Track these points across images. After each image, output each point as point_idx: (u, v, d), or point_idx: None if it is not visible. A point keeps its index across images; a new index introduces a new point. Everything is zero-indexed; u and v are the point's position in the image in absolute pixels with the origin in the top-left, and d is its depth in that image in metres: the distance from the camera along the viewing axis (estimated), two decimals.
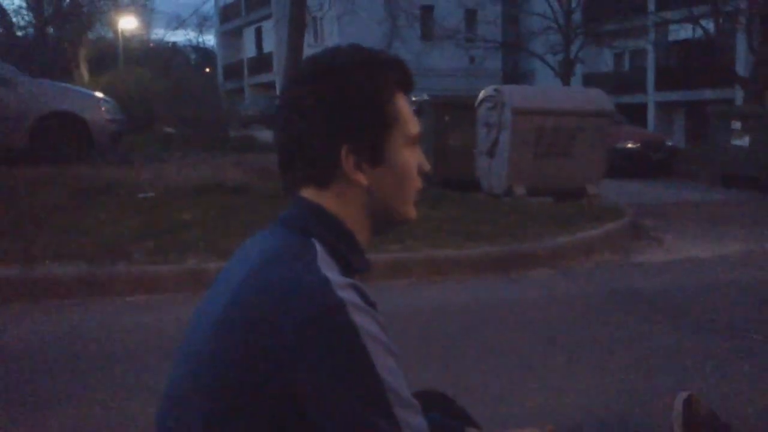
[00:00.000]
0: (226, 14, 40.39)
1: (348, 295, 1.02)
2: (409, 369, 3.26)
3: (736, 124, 11.68)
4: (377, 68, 1.15)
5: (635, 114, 22.96)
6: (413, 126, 1.19)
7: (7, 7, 23.08)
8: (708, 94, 22.65)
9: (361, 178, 1.14)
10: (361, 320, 1.01)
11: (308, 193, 1.16)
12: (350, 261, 1.15)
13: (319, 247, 1.10)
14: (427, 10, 27.94)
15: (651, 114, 26.75)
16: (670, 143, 15.03)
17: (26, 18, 23.72)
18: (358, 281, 1.09)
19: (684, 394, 2.01)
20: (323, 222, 1.14)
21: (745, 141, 11.49)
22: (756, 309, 4.53)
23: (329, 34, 28.62)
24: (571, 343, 3.78)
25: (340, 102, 1.12)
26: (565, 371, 3.36)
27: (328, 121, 1.12)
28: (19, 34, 23.62)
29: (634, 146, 13.70)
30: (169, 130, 15.91)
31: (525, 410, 2.90)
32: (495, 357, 3.58)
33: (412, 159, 1.19)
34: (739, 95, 19.68)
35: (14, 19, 23.23)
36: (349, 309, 1.01)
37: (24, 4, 23.45)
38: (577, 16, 22.65)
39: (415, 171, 1.20)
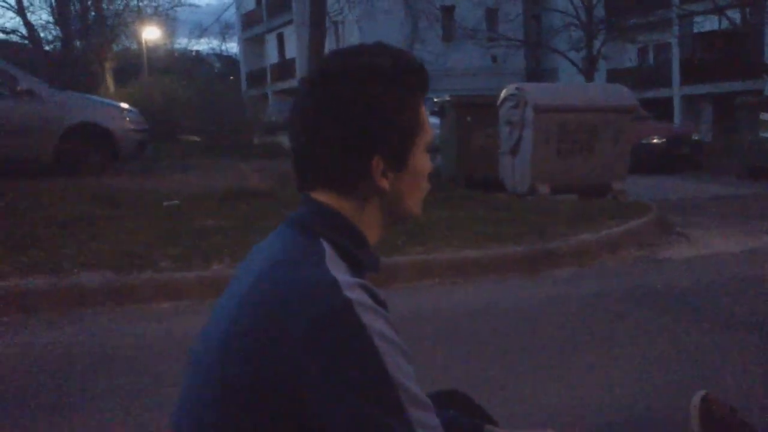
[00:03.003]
0: (248, 21, 40.68)
1: (356, 295, 1.02)
2: (433, 369, 3.27)
3: (765, 116, 11.49)
4: (405, 74, 1.14)
5: (661, 108, 22.71)
6: (430, 132, 1.21)
7: (34, 23, 23.46)
8: (736, 85, 22.29)
9: (386, 185, 1.14)
10: (370, 320, 1.01)
11: (322, 195, 1.15)
12: (360, 261, 1.15)
13: (327, 247, 1.10)
14: (448, 10, 27.89)
15: (677, 108, 26.43)
16: (696, 137, 14.84)
17: (53, 33, 24.15)
18: (368, 281, 1.09)
19: (701, 393, 1.99)
20: (333, 223, 1.14)
21: None
22: None
23: (350, 37, 28.71)
24: (596, 341, 3.75)
25: (374, 110, 1.10)
26: (589, 370, 3.33)
27: (362, 132, 1.10)
28: (47, 48, 24.03)
29: (659, 141, 13.55)
30: (194, 138, 16.07)
31: (548, 409, 2.88)
32: (519, 356, 3.56)
33: (427, 163, 1.21)
34: None
35: (42, 34, 23.66)
36: (357, 309, 1.00)
37: (51, 20, 23.82)
38: (599, 11, 22.46)
39: (427, 174, 1.22)
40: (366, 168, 1.12)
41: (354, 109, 1.10)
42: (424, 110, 1.19)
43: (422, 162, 1.19)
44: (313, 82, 1.15)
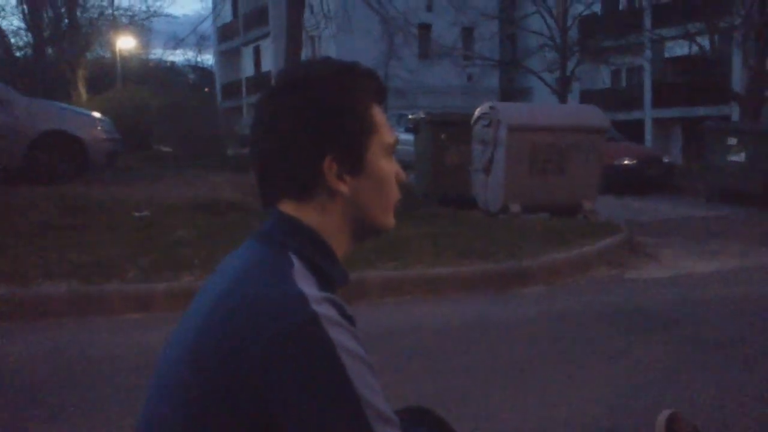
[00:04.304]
0: (224, 34, 40.57)
1: (323, 309, 1.01)
2: (404, 386, 3.26)
3: (732, 140, 11.70)
4: (352, 78, 1.16)
5: (633, 130, 23.02)
6: (389, 135, 1.20)
7: (5, 28, 23.20)
8: (705, 110, 22.72)
9: (344, 188, 1.14)
10: (337, 334, 0.99)
11: (286, 207, 1.15)
12: (329, 274, 1.14)
13: (296, 261, 1.09)
14: (425, 28, 28.09)
15: (648, 130, 26.83)
16: (667, 159, 15.04)
17: (25, 39, 23.88)
18: (337, 295, 1.08)
19: (666, 413, 2.00)
20: (301, 235, 1.13)
21: (741, 157, 11.52)
22: (750, 324, 4.51)
23: (326, 52, 28.77)
24: (565, 360, 3.76)
25: (319, 112, 1.12)
26: (558, 388, 3.34)
27: (309, 133, 1.12)
28: (18, 54, 23.75)
29: (630, 162, 13.70)
30: (166, 149, 15.94)
31: (520, 426, 2.88)
32: (489, 374, 3.56)
33: (390, 168, 1.20)
34: (735, 111, 19.75)
35: (13, 40, 23.38)
36: (324, 323, 0.99)
37: (23, 25, 23.57)
38: (573, 34, 22.77)
39: (393, 180, 1.21)
40: (318, 169, 1.12)
41: (301, 113, 1.12)
42: (380, 114, 1.19)
43: (383, 165, 1.18)
44: (265, 96, 1.18)
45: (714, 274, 6.09)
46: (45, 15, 22.80)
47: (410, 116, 11.61)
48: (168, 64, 42.00)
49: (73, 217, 6.77)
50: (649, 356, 3.81)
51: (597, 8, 26.67)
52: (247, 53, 39.69)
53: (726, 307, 4.92)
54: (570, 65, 22.28)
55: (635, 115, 26.82)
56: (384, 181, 1.19)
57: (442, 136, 9.89)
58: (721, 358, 3.78)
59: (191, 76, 47.62)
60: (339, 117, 1.13)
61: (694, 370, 3.57)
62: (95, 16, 24.03)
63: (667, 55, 27.17)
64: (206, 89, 41.43)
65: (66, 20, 22.76)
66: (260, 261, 1.10)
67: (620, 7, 28.88)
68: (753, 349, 3.95)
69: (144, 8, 38.44)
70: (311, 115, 1.12)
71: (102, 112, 10.61)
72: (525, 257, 5.89)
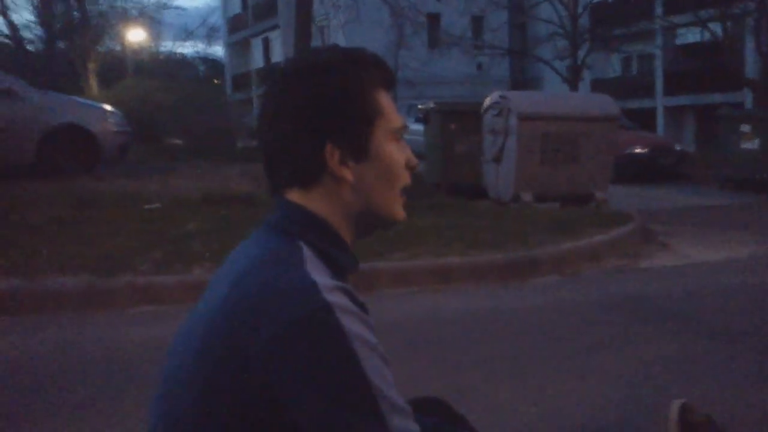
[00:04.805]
0: (233, 25, 40.56)
1: (336, 298, 1.00)
2: (413, 376, 3.26)
3: (746, 128, 11.61)
4: (356, 65, 1.15)
5: (644, 119, 22.87)
6: (396, 120, 1.18)
7: (17, 22, 23.26)
8: (717, 97, 22.52)
9: (347, 174, 1.13)
10: (350, 323, 0.99)
11: (293, 195, 1.15)
12: (339, 262, 1.13)
13: (305, 249, 1.09)
14: (434, 17, 27.96)
15: (660, 119, 26.64)
16: (679, 148, 14.93)
17: (36, 32, 23.98)
18: (348, 283, 1.07)
19: (678, 402, 1.99)
20: (309, 224, 1.13)
21: (754, 144, 11.43)
22: (762, 314, 4.48)
23: (335, 42, 28.70)
24: (575, 350, 3.75)
25: (320, 99, 1.11)
26: (568, 378, 3.33)
27: (310, 119, 1.11)
28: (30, 48, 23.85)
29: (642, 151, 13.61)
30: (177, 141, 15.97)
31: (529, 418, 2.88)
32: (498, 364, 3.55)
33: (398, 153, 1.18)
34: (749, 98, 19.58)
35: (24, 34, 23.48)
36: (336, 312, 0.99)
37: (34, 19, 23.68)
38: (584, 21, 22.60)
39: (401, 165, 1.19)
40: (320, 157, 1.11)
41: (303, 100, 1.12)
42: (387, 99, 1.17)
43: (390, 150, 1.16)
44: (273, 83, 1.17)
45: (726, 262, 6.05)
46: (55, 8, 22.89)
47: (420, 106, 11.57)
48: (178, 56, 42.03)
49: (84, 211, 6.79)
50: (659, 347, 3.79)
51: None
52: (257, 45, 39.65)
53: (738, 297, 4.89)
54: (581, 53, 22.11)
55: (647, 103, 26.65)
56: (390, 166, 1.17)
57: (452, 126, 9.87)
58: (731, 349, 3.75)
59: (201, 68, 47.62)
60: (338, 103, 1.12)
61: (704, 361, 3.54)
62: (105, 9, 24.10)
63: (678, 42, 26.95)
64: (216, 81, 41.45)
65: (76, 13, 22.82)
66: (270, 250, 1.10)
67: None
68: (764, 340, 3.92)
69: (153, 0, 38.29)
70: (310, 104, 1.11)
71: (113, 105, 10.63)
72: (535, 247, 5.87)
